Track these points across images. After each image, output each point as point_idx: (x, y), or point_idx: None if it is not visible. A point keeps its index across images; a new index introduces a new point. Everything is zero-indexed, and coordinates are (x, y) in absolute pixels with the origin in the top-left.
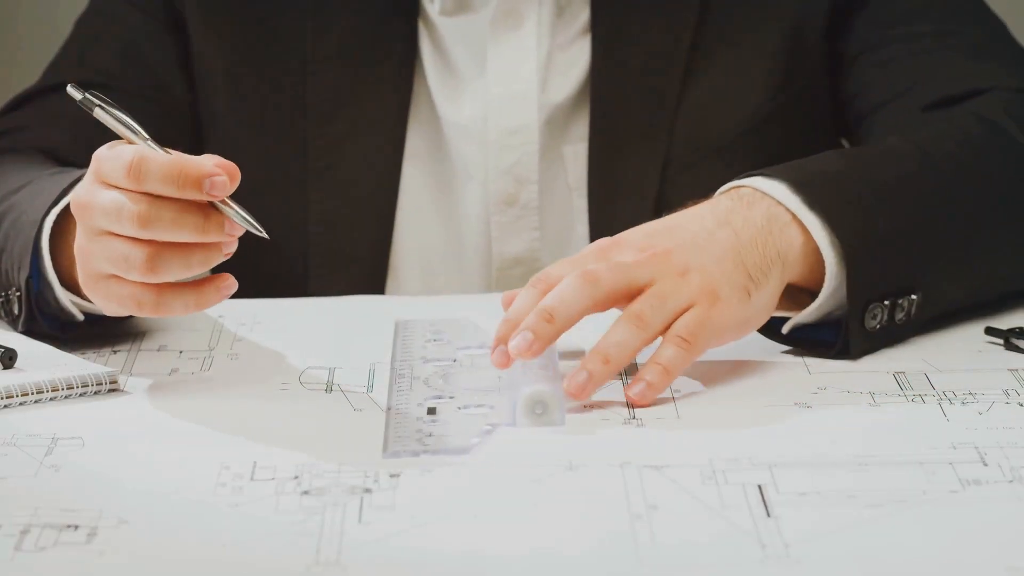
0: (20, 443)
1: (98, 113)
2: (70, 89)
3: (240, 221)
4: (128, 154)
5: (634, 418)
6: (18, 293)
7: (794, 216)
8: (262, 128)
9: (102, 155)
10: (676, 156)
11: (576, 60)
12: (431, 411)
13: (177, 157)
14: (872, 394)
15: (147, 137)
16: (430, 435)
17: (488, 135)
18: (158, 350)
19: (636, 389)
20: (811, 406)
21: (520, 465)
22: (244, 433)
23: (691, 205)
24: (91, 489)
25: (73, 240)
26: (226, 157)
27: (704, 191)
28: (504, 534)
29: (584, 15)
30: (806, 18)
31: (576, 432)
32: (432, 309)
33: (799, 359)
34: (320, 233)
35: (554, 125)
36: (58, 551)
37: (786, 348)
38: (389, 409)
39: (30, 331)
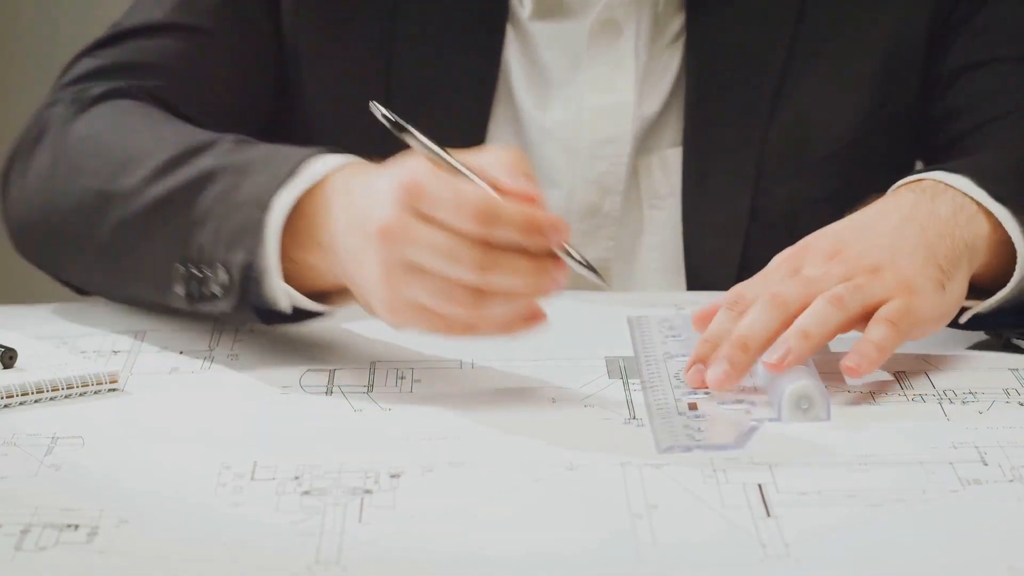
0: (20, 443)
1: (407, 136)
2: (374, 107)
3: (579, 269)
4: (473, 197)
5: (634, 418)
6: (224, 276)
7: (980, 206)
8: (342, 117)
9: (426, 186)
10: (768, 168)
11: (666, 70)
12: (692, 407)
13: (524, 207)
14: (872, 394)
15: (463, 167)
16: (699, 431)
17: (579, 143)
18: (158, 350)
19: (852, 359)
20: None
21: (520, 465)
22: (244, 433)
23: (872, 201)
24: (91, 489)
25: (300, 227)
26: (305, 136)
27: (799, 203)
28: (504, 534)
29: (676, 23)
30: (905, 37)
31: (576, 432)
32: None
33: None
34: None
35: (642, 135)
36: (58, 551)
37: None
38: (650, 404)
39: (225, 320)
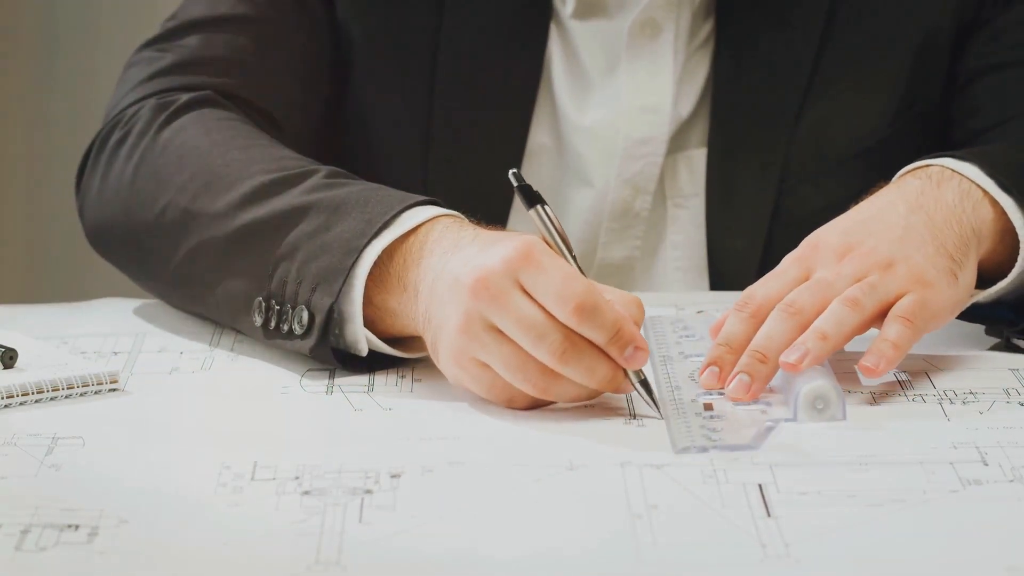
0: (20, 443)
1: (533, 213)
2: (512, 177)
3: (640, 393)
4: (580, 287)
5: (634, 418)
6: (306, 316)
7: (985, 193)
8: (390, 108)
9: (540, 261)
10: (794, 168)
11: (698, 71)
12: (708, 407)
13: (620, 314)
14: (872, 394)
15: (573, 254)
16: (715, 431)
17: (616, 143)
18: (158, 350)
19: (870, 359)
20: None
21: (520, 465)
22: (244, 433)
23: (877, 189)
24: (92, 489)
25: (388, 271)
26: (357, 127)
27: (822, 203)
28: (504, 534)
29: (707, 26)
30: (932, 38)
31: (576, 432)
32: None
33: None
34: None
35: (674, 136)
36: (59, 551)
37: None
38: (665, 404)
39: (315, 358)
